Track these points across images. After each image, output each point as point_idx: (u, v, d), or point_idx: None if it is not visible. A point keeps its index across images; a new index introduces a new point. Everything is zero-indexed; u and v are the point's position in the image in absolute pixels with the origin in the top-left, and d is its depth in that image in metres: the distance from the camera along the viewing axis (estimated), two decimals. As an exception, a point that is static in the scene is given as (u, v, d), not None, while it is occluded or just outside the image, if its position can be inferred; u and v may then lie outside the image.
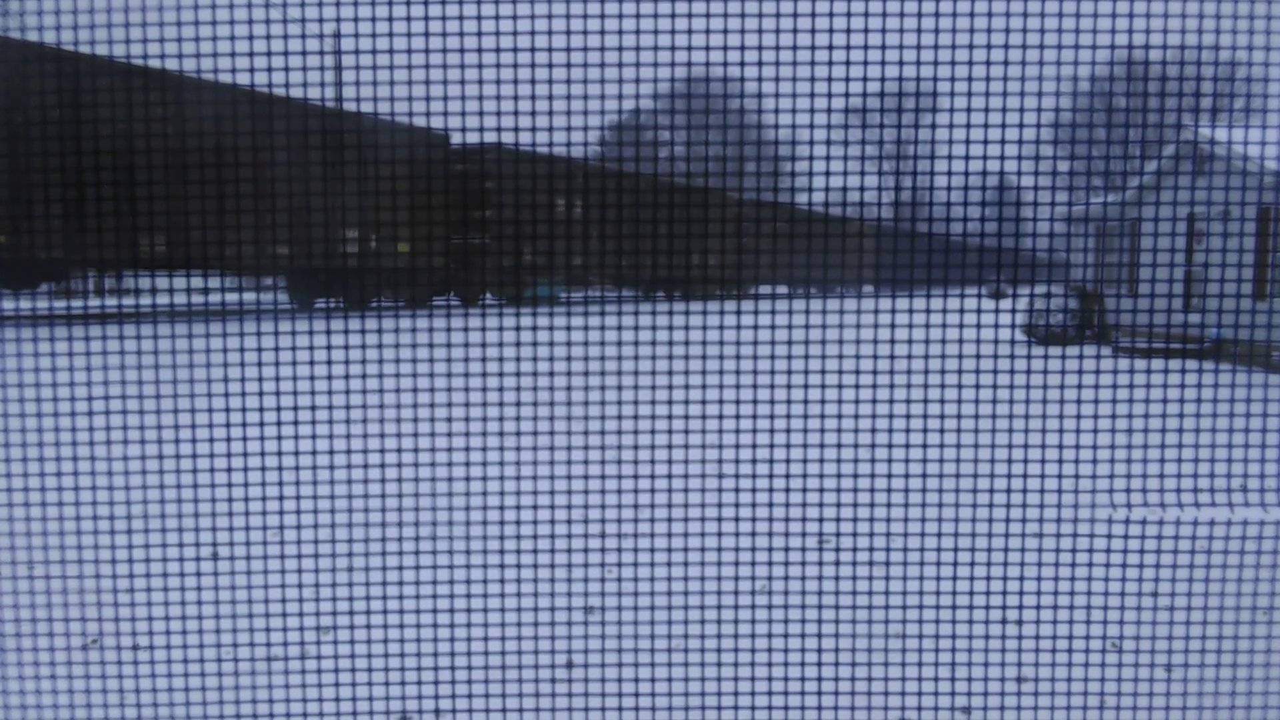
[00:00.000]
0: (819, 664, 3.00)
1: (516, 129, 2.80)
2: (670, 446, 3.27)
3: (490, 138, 2.99)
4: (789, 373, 3.12)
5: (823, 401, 3.07)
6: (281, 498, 3.03)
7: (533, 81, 2.74)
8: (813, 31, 2.71)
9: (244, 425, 3.05)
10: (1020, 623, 3.69)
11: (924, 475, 3.23)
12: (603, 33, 2.71)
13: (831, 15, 2.69)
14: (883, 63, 2.77)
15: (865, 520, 3.16)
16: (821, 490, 3.13)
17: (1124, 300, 14.46)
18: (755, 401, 3.19)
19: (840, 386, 3.08)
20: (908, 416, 3.08)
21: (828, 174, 2.92)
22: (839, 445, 3.28)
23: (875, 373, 3.07)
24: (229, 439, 3.12)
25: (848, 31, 2.70)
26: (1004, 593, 3.15)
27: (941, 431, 3.01)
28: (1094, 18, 2.77)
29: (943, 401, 3.02)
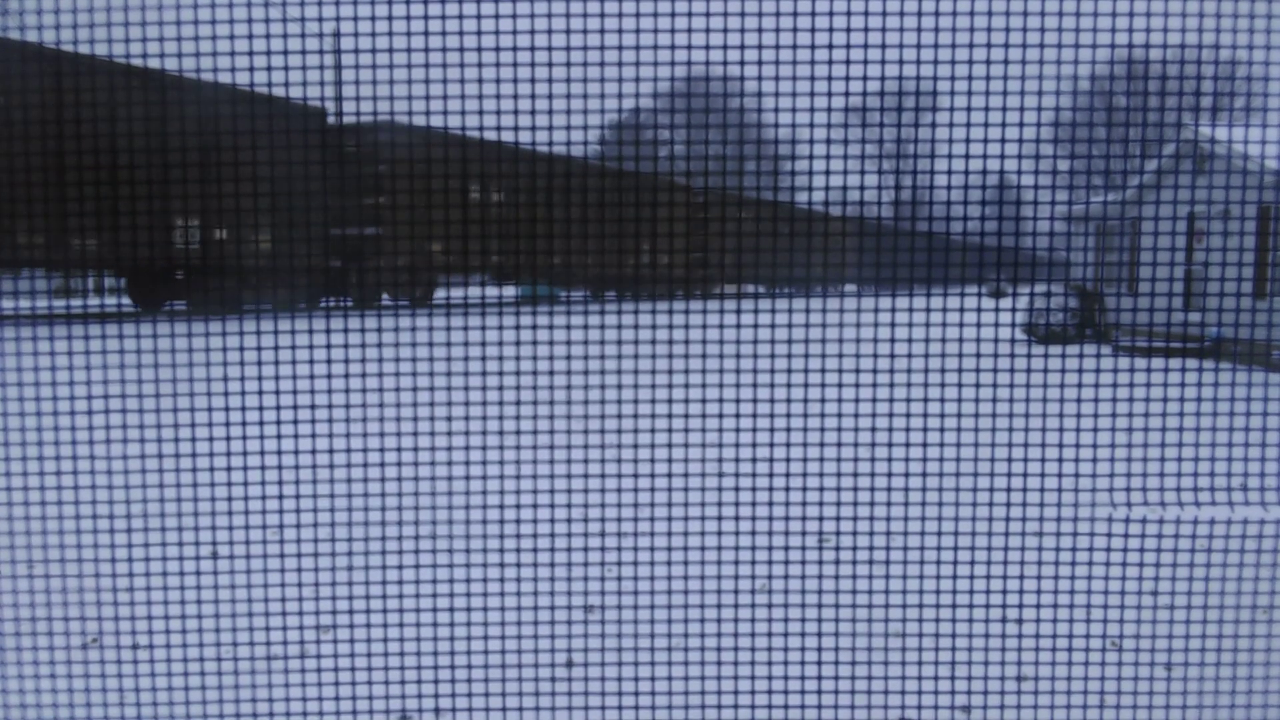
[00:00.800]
0: (819, 664, 3.00)
1: (516, 128, 2.80)
2: (670, 446, 3.27)
3: (490, 137, 2.99)
4: (789, 372, 3.12)
5: (823, 401, 3.07)
6: (281, 497, 3.03)
7: (533, 81, 2.74)
8: (813, 31, 2.71)
9: (244, 425, 3.05)
10: (1020, 622, 3.68)
11: (924, 475, 3.24)
12: (603, 32, 2.71)
13: (831, 15, 2.69)
14: (883, 62, 2.77)
15: (865, 520, 3.16)
16: (821, 490, 3.13)
17: (1124, 299, 14.46)
18: (755, 401, 3.19)
19: (840, 386, 3.08)
20: (908, 416, 3.08)
21: (828, 174, 2.92)
22: (839, 445, 3.28)
23: (875, 372, 3.07)
24: (229, 439, 3.12)
25: (848, 31, 2.70)
26: (1004, 592, 3.15)
27: (941, 431, 3.01)
28: (1094, 17, 2.77)
29: (943, 401, 3.02)
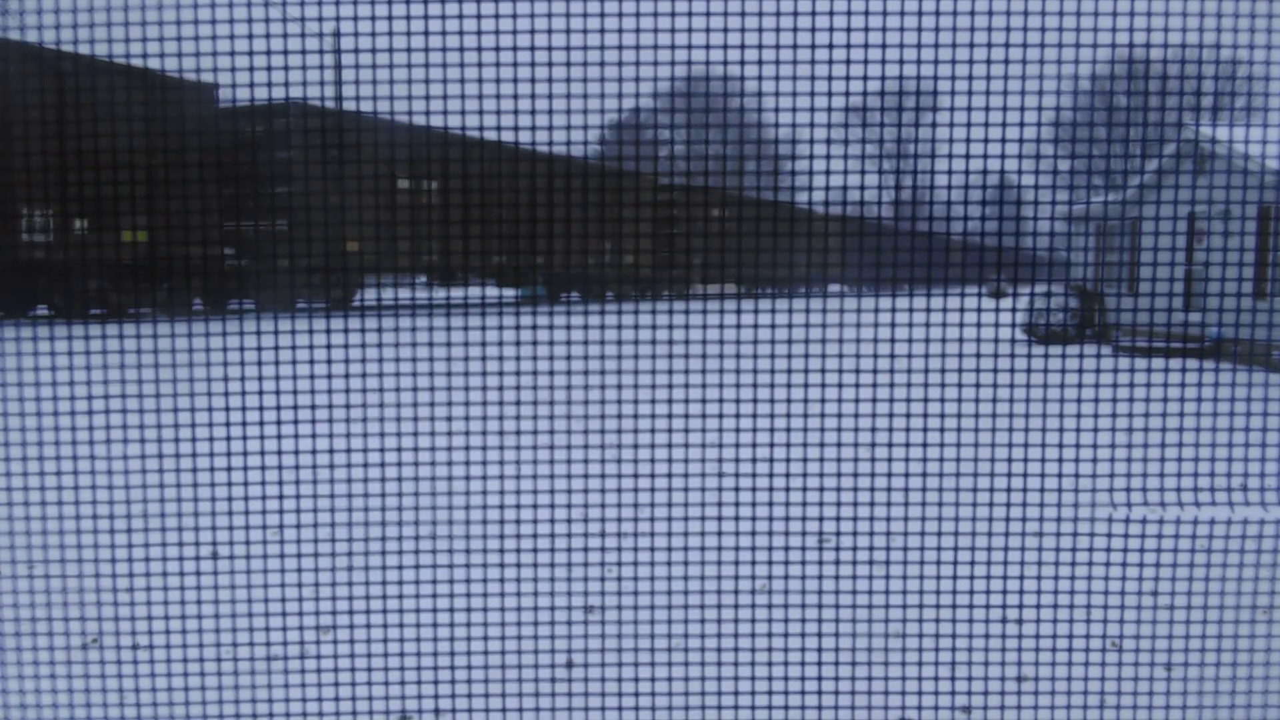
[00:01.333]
0: (819, 664, 3.00)
1: (516, 128, 2.80)
2: (670, 446, 3.26)
3: (490, 137, 2.98)
4: (789, 372, 3.12)
5: (823, 401, 3.07)
6: (281, 497, 3.03)
7: (533, 81, 2.74)
8: (813, 31, 2.71)
9: (244, 425, 3.05)
10: (1020, 622, 3.68)
11: (924, 475, 3.23)
12: (603, 32, 2.71)
13: (831, 15, 2.69)
14: (883, 62, 2.77)
15: (865, 520, 3.16)
16: (821, 490, 3.13)
17: (1124, 299, 14.46)
18: (755, 401, 3.19)
19: (840, 386, 3.07)
20: (908, 416, 3.08)
21: (828, 174, 2.92)
22: (839, 445, 3.28)
23: (875, 372, 3.06)
24: (229, 439, 3.12)
25: (848, 31, 2.70)
26: (1004, 592, 3.15)
27: (941, 431, 3.01)
28: (1094, 17, 2.77)
29: (943, 401, 3.02)
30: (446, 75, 2.79)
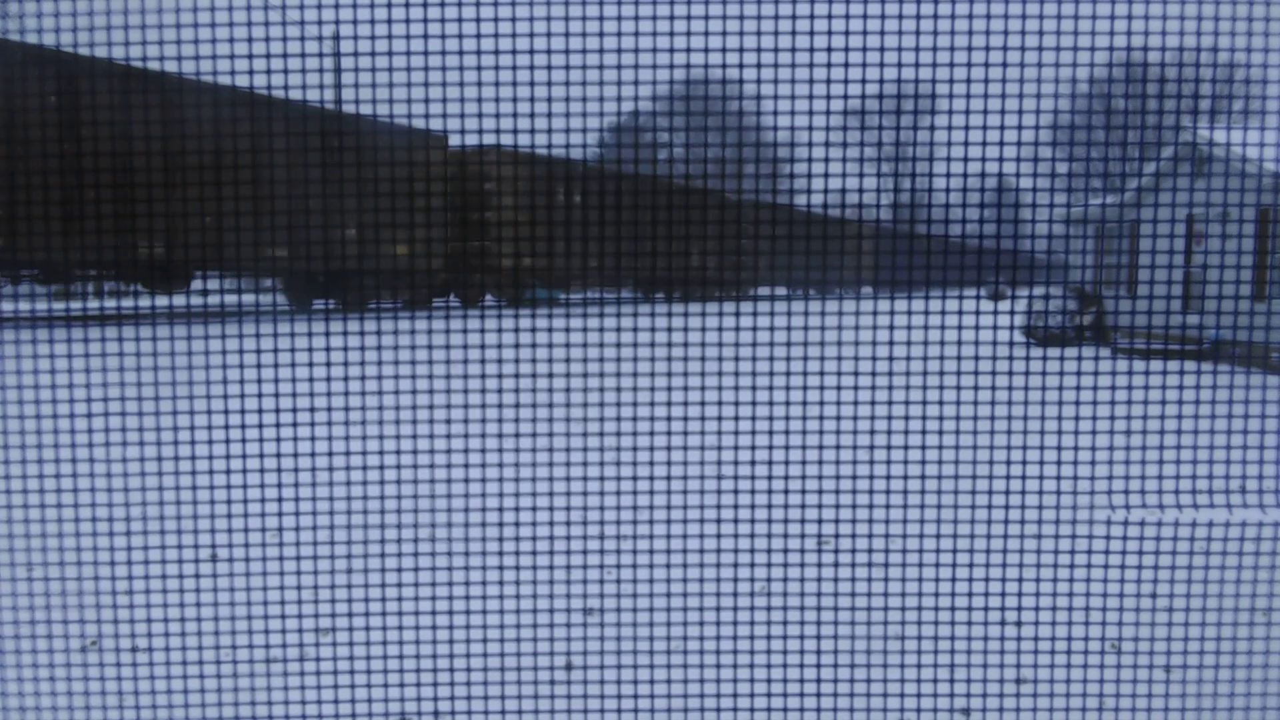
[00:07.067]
0: (819, 664, 3.00)
1: (516, 130, 2.81)
2: (670, 447, 3.26)
3: (490, 139, 2.99)
4: (789, 373, 3.12)
5: (822, 402, 3.07)
6: (281, 499, 3.03)
7: (532, 83, 2.74)
8: (812, 33, 2.71)
9: (243, 426, 3.05)
10: (1020, 624, 3.68)
11: (923, 476, 3.24)
12: (602, 34, 2.71)
13: (831, 16, 2.69)
14: (882, 64, 2.78)
15: (865, 521, 3.16)
16: (821, 491, 3.13)
17: (1124, 301, 14.47)
18: (755, 402, 3.19)
19: (840, 387, 3.08)
20: (907, 418, 3.08)
21: (827, 175, 2.93)
22: (839, 446, 3.28)
23: (875, 374, 3.07)
24: (228, 440, 3.12)
25: (847, 33, 2.70)
26: (1003, 594, 3.15)
27: (941, 433, 3.01)
28: (1093, 18, 2.77)
29: (942, 403, 3.02)
30: (446, 78, 2.80)
